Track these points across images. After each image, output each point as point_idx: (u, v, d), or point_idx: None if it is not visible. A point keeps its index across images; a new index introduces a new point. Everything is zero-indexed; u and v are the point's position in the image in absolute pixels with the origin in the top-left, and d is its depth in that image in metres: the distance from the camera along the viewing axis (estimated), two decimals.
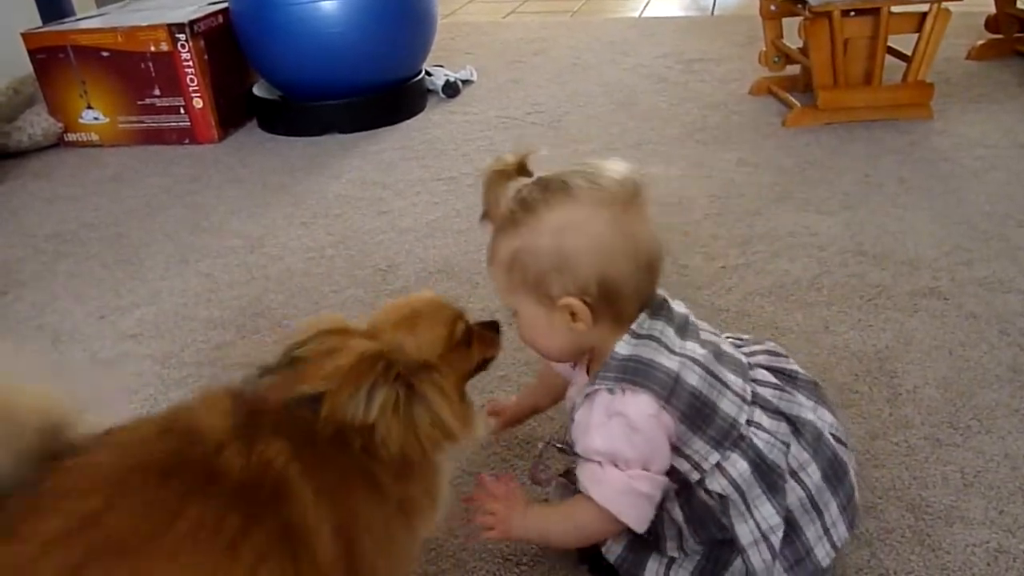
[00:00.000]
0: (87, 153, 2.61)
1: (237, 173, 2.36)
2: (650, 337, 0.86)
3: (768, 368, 0.97)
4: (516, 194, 0.85)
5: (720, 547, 0.91)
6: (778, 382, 0.95)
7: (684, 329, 0.89)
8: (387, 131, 2.59)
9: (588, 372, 0.94)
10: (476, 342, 0.92)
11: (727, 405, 0.88)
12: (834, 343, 1.41)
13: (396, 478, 0.82)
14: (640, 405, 0.84)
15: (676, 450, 0.87)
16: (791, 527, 0.89)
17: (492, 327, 0.94)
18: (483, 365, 0.94)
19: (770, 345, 1.03)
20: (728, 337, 1.00)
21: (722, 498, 0.88)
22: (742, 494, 0.88)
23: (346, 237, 1.91)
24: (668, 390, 0.84)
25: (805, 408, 0.94)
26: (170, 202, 2.20)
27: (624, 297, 0.85)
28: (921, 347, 1.39)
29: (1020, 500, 1.08)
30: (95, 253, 1.94)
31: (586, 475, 0.87)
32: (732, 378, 0.90)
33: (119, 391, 1.40)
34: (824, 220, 1.83)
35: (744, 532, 0.88)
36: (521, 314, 0.89)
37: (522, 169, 0.87)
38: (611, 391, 0.85)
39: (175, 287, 1.75)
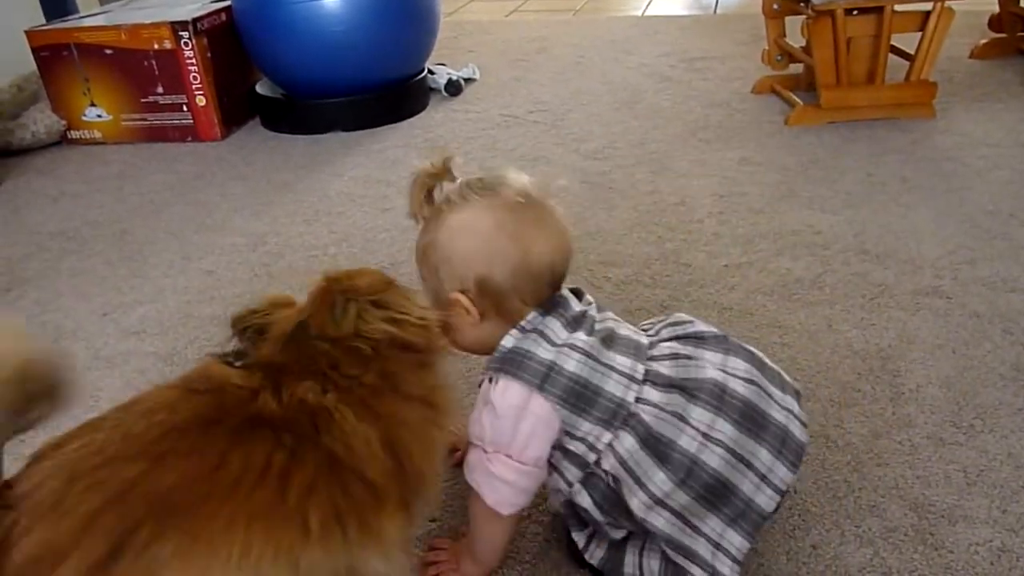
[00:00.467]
0: (90, 150, 2.62)
1: (240, 171, 2.37)
2: (535, 331, 0.92)
3: (674, 339, 0.98)
4: (440, 196, 0.95)
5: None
6: (679, 350, 0.95)
7: (577, 323, 0.93)
8: (390, 129, 2.59)
9: None
10: None
11: (612, 386, 0.90)
12: (836, 342, 1.41)
13: (414, 373, 0.86)
14: (506, 394, 0.89)
15: (568, 434, 0.91)
16: (724, 487, 0.89)
17: None
18: None
19: (675, 316, 1.03)
20: (652, 322, 1.04)
21: (614, 477, 0.91)
22: (629, 470, 0.89)
23: (349, 235, 1.91)
24: (540, 378, 0.88)
25: (709, 366, 0.93)
26: (173, 200, 2.20)
27: (505, 297, 0.92)
28: (924, 346, 1.39)
29: (1023, 499, 1.08)
30: (98, 250, 1.94)
31: (468, 470, 0.95)
32: (620, 360, 0.92)
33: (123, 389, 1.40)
34: (827, 219, 1.83)
35: (636, 504, 0.89)
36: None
37: (446, 173, 0.95)
38: (490, 380, 0.92)
39: (178, 284, 1.76)
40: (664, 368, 0.93)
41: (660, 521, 0.90)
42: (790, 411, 0.94)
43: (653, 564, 0.94)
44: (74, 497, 0.66)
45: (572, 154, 2.29)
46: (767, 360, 0.99)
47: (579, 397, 0.89)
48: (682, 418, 0.89)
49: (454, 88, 2.84)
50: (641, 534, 0.95)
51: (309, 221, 2.00)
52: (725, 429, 0.89)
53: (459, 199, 0.93)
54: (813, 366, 1.35)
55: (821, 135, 2.30)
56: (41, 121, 2.60)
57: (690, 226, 1.84)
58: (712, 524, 0.90)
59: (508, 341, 0.92)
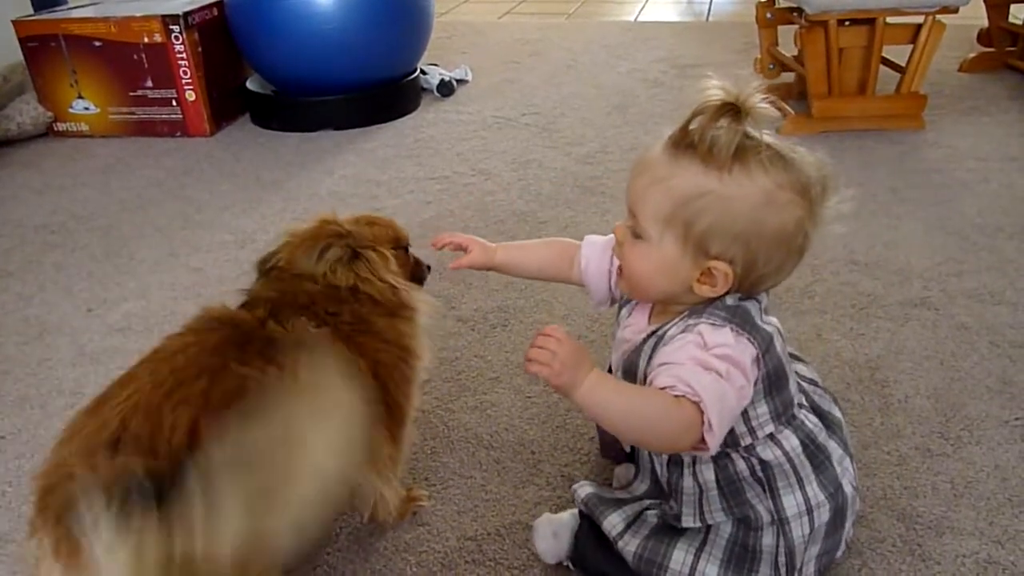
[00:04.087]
0: (77, 143, 2.59)
1: (229, 167, 2.35)
2: (751, 299, 0.88)
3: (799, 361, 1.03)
4: (739, 136, 0.82)
5: (747, 531, 0.91)
6: (816, 380, 1.01)
7: (767, 311, 0.91)
8: (381, 129, 2.58)
9: (650, 317, 0.94)
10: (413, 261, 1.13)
11: (791, 384, 0.92)
12: (826, 351, 1.41)
13: (385, 319, 0.99)
14: (742, 349, 0.83)
15: (742, 411, 0.87)
16: (841, 521, 0.94)
17: (425, 268, 1.20)
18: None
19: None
20: None
21: (765, 467, 0.90)
22: (794, 467, 0.91)
23: None
24: (764, 348, 0.85)
25: (834, 407, 1.00)
26: (161, 195, 2.18)
27: (756, 281, 0.86)
28: (912, 357, 1.39)
29: (1009, 511, 1.08)
30: (84, 245, 1.92)
31: (684, 372, 0.80)
32: (797, 364, 0.96)
33: None
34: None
35: (791, 503, 0.90)
36: (648, 243, 0.85)
37: (742, 111, 0.83)
38: (714, 326, 0.84)
39: (164, 281, 1.74)
40: (807, 387, 0.97)
41: (798, 531, 0.91)
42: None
43: (711, 570, 0.90)
44: (168, 414, 0.74)
45: (564, 158, 2.29)
46: None
47: (776, 380, 0.88)
48: (827, 440, 0.94)
49: (446, 89, 2.84)
50: (700, 535, 0.92)
51: (299, 219, 1.97)
52: (851, 468, 0.96)
53: (775, 162, 0.83)
54: None
55: (812, 145, 2.23)
56: (27, 113, 2.57)
57: None
58: (813, 552, 0.93)
59: (731, 300, 0.86)
